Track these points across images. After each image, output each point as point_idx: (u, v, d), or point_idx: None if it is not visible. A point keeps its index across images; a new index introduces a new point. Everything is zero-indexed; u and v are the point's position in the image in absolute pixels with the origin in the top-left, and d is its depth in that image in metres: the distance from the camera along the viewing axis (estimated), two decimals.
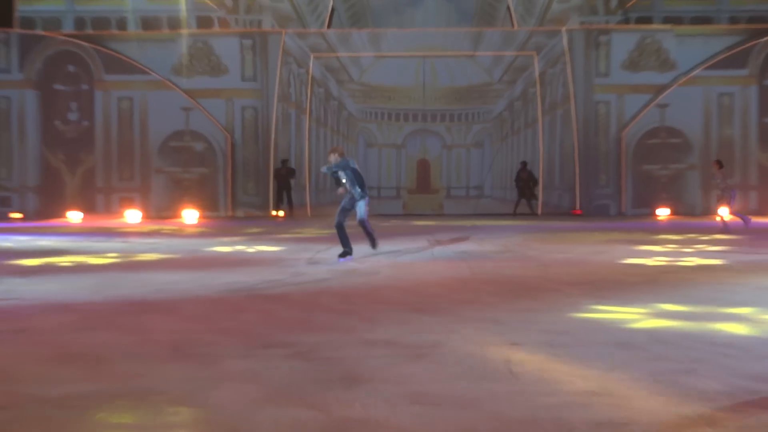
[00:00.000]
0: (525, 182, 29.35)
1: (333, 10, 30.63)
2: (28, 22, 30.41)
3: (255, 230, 23.01)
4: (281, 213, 29.10)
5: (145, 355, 7.56)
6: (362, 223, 15.52)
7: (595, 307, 9.83)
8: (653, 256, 15.85)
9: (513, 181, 29.75)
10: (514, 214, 28.91)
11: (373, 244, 15.73)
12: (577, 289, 11.47)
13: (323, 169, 15.94)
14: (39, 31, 30.20)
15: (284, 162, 29.29)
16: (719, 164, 21.44)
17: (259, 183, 29.89)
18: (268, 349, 7.93)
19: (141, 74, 29.53)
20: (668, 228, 23.04)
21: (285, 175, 29.14)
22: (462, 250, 17.38)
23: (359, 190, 15.44)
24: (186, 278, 13.03)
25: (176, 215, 28.22)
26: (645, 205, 28.23)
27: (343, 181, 15.39)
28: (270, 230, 23.13)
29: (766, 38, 29.19)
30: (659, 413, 5.60)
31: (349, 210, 15.58)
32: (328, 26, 30.58)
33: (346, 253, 15.25)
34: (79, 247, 18.67)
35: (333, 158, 15.53)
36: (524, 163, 29.54)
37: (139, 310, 9.91)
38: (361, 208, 15.43)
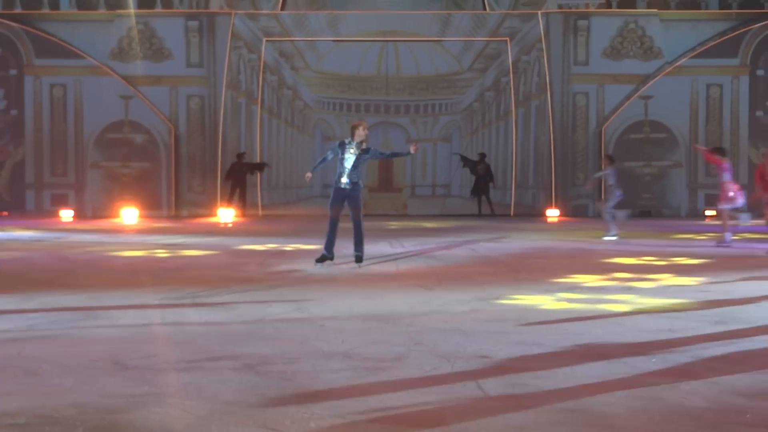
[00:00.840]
0: (482, 177, 29.28)
1: None
2: None
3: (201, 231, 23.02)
4: (231, 214, 28.99)
5: (78, 367, 7.58)
6: (359, 224, 14.96)
7: None
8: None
9: (471, 174, 29.72)
10: (479, 215, 28.86)
11: (360, 256, 15.04)
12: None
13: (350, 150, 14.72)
14: None
15: (240, 156, 29.04)
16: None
17: (206, 179, 29.80)
18: (215, 362, 7.96)
19: (76, 59, 29.38)
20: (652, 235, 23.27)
21: (241, 170, 28.83)
22: (429, 255, 17.51)
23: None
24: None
25: (114, 215, 28.04)
26: (627, 206, 28.45)
27: (346, 165, 14.64)
28: (218, 231, 23.15)
29: (758, 25, 29.47)
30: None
31: (342, 202, 14.82)
32: (282, 8, 30.55)
33: (325, 258, 14.76)
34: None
35: (362, 133, 14.71)
36: (483, 155, 29.56)
37: (73, 320, 9.92)
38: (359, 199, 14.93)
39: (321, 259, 14.60)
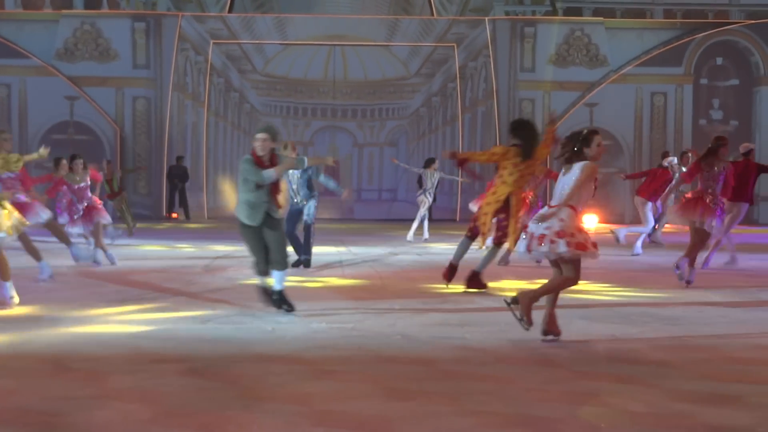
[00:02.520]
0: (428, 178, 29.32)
1: None
2: None
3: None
4: (175, 215, 28.89)
5: (21, 368, 7.57)
6: (310, 228, 15.16)
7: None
8: None
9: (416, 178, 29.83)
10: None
11: (309, 260, 15.19)
12: None
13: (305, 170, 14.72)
14: None
15: (179, 159, 29.04)
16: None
17: (152, 182, 29.69)
18: (158, 365, 7.96)
19: (20, 58, 29.17)
20: None
21: (179, 175, 28.88)
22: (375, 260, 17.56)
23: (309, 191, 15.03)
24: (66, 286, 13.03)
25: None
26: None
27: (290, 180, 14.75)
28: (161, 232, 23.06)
29: (702, 34, 29.79)
30: None
31: (298, 215, 15.04)
32: (230, 10, 30.54)
33: (308, 261, 15.04)
34: None
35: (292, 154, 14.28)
36: (432, 159, 29.61)
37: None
38: (312, 208, 15.09)
39: (296, 264, 14.23)
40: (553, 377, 7.56)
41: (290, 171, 14.03)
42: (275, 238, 10.35)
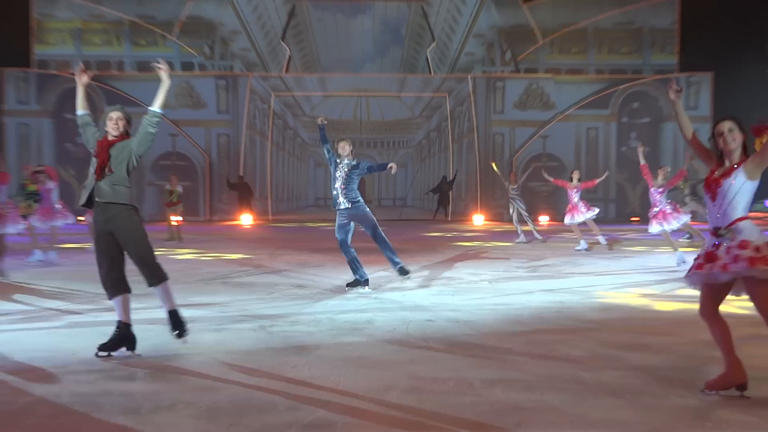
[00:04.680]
0: (445, 193, 29.57)
1: (290, 58, 30.64)
2: (43, 64, 30.01)
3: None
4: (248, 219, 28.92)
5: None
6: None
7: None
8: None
9: (428, 192, 29.98)
10: (436, 218, 29.08)
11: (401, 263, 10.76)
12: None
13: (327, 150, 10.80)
14: (52, 71, 29.79)
15: (242, 177, 29.06)
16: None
17: (231, 194, 29.75)
18: (238, 324, 7.99)
19: (136, 106, 29.18)
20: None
21: (242, 187, 28.81)
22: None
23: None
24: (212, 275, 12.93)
25: (166, 220, 27.87)
26: (531, 212, 28.47)
27: (337, 185, 10.37)
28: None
29: (623, 85, 29.77)
30: None
31: (348, 224, 10.42)
32: (286, 71, 30.59)
33: (358, 282, 10.38)
34: None
35: (347, 149, 10.61)
36: (444, 178, 29.78)
37: None
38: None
39: (353, 284, 10.32)
40: (518, 331, 7.59)
41: (338, 168, 10.49)
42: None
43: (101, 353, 6.29)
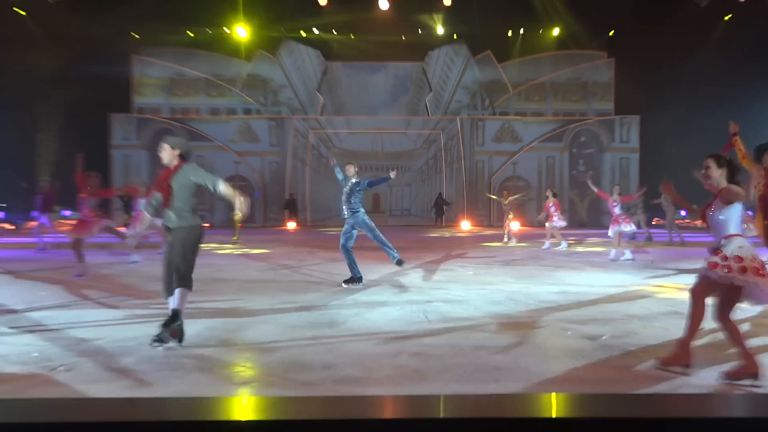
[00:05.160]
0: (440, 206, 29.54)
1: (323, 104, 30.72)
2: (141, 110, 30.19)
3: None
4: (293, 223, 29.02)
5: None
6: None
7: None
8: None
9: (432, 206, 29.95)
10: (436, 225, 29.07)
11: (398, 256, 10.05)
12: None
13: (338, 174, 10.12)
14: (148, 115, 29.97)
15: (291, 195, 29.31)
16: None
17: (280, 207, 29.85)
18: (283, 304, 7.98)
19: (209, 141, 29.44)
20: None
21: (291, 203, 29.12)
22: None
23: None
24: (242, 266, 12.89)
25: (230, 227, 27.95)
26: (504, 220, 28.39)
27: (342, 198, 9.88)
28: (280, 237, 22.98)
29: (573, 125, 29.71)
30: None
31: (350, 230, 9.76)
32: (321, 114, 30.66)
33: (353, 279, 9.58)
34: None
35: (351, 170, 9.97)
36: (440, 194, 29.77)
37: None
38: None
39: (349, 281, 9.53)
40: (496, 310, 7.52)
41: (344, 185, 9.90)
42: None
43: (155, 344, 5.57)
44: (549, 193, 17.40)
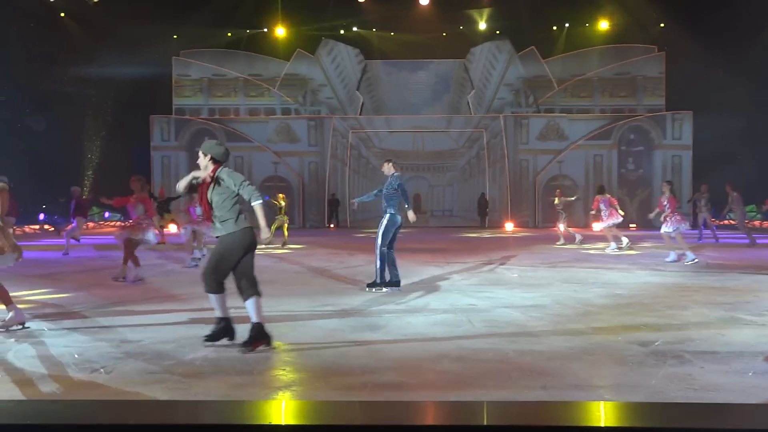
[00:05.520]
0: (482, 207, 29.36)
1: (363, 103, 30.79)
2: (180, 111, 30.67)
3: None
4: (332, 226, 29.15)
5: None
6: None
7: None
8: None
9: (476, 206, 29.75)
10: (479, 226, 28.87)
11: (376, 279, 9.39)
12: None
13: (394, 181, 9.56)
14: (187, 116, 30.42)
15: (333, 195, 29.48)
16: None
17: (319, 207, 30.01)
18: (324, 307, 8.01)
19: (247, 142, 29.73)
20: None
21: (334, 203, 29.37)
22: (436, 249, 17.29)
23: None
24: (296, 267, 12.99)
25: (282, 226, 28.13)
26: (550, 221, 28.15)
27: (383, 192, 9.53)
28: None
29: (622, 122, 29.24)
30: None
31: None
32: (360, 113, 30.74)
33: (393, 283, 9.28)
34: None
35: (387, 167, 9.75)
36: (483, 194, 29.60)
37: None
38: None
39: (372, 284, 9.32)
40: (542, 314, 7.42)
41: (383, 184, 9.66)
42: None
43: (207, 343, 5.75)
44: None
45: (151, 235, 10.51)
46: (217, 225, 5.72)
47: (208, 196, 5.72)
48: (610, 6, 28.99)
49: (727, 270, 11.69)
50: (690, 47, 26.30)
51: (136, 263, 10.44)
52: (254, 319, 5.66)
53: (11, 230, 11.38)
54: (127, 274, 10.36)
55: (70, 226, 16.00)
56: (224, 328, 5.82)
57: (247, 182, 5.76)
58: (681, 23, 26.98)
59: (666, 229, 13.14)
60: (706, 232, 18.91)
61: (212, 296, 5.73)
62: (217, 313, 5.82)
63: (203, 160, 5.77)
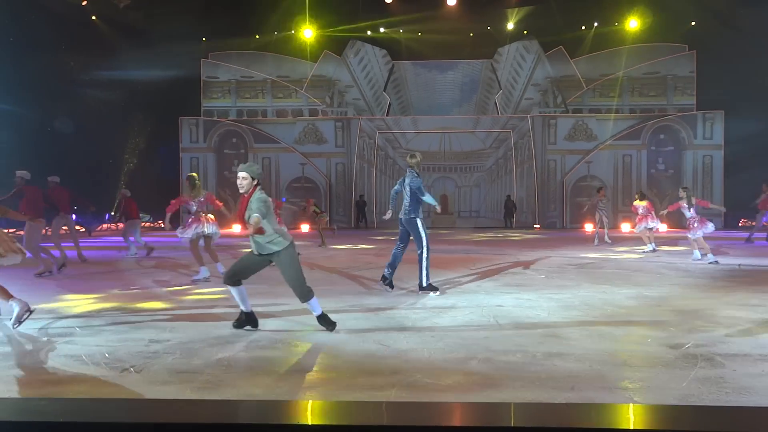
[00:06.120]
0: (509, 208, 29.22)
1: (390, 104, 30.80)
2: (209, 112, 30.95)
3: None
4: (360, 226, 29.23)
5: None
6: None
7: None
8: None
9: (503, 207, 29.61)
10: (506, 227, 28.74)
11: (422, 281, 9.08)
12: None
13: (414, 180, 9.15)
14: (215, 118, 30.69)
15: (361, 197, 29.55)
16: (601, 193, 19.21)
17: (345, 208, 30.09)
18: (351, 307, 8.01)
19: (275, 143, 29.92)
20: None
21: (361, 204, 29.48)
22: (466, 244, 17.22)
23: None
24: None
25: (296, 227, 28.29)
26: (577, 222, 27.95)
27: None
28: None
29: (651, 122, 28.92)
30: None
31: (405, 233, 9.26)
32: (387, 114, 30.77)
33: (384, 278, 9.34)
34: None
35: (410, 161, 9.45)
36: (509, 196, 29.44)
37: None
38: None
39: (384, 279, 9.36)
40: (570, 316, 7.36)
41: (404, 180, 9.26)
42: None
43: (234, 326, 6.57)
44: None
45: (213, 228, 10.75)
46: (263, 243, 6.32)
47: (246, 220, 6.24)
48: (640, 5, 28.67)
49: (762, 272, 11.49)
50: (721, 46, 25.91)
51: (215, 258, 10.89)
52: (317, 313, 6.51)
53: (43, 231, 11.53)
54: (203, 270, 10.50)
55: (123, 226, 16.03)
56: (247, 319, 6.59)
57: (262, 205, 6.16)
58: (712, 22, 26.59)
59: (695, 234, 13.28)
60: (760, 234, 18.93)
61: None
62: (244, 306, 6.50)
63: (242, 183, 6.28)
